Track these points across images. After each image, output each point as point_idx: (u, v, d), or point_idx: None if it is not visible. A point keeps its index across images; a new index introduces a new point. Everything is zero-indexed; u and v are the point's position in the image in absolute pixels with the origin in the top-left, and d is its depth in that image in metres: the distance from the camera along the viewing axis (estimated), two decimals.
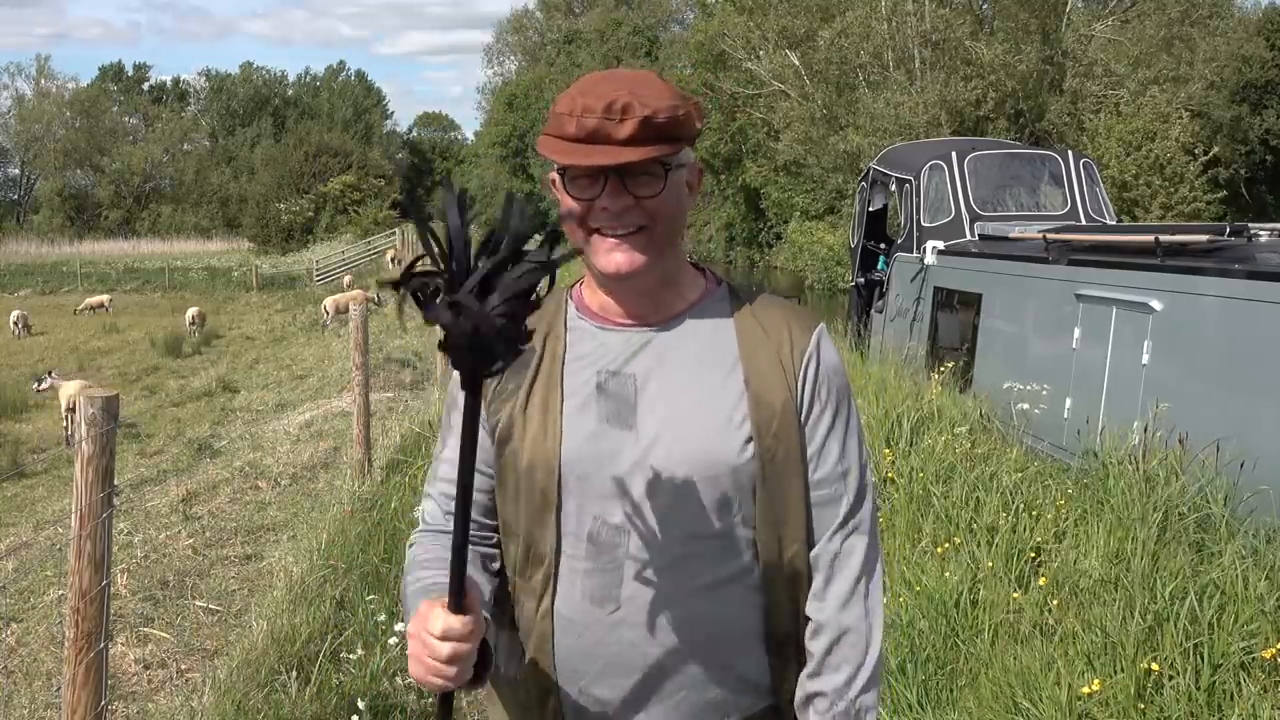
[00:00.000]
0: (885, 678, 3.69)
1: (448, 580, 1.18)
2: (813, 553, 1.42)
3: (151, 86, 78.59)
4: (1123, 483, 4.82)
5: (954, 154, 9.86)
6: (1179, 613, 3.53)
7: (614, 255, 1.34)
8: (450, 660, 1.19)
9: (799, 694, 1.44)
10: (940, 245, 9.32)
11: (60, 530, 7.01)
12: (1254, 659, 3.35)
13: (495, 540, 1.48)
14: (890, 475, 5.59)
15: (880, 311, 10.73)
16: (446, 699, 1.27)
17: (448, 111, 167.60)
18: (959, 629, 3.94)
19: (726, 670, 1.39)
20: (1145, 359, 5.97)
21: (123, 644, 4.43)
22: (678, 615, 1.35)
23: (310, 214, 48.56)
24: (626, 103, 1.30)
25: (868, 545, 1.44)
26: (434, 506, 1.50)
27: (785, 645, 1.42)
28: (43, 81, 72.83)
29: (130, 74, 77.77)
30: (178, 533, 6.32)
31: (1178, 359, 5.80)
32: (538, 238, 1.08)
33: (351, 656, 3.77)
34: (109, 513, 2.69)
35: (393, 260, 35.08)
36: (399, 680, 3.77)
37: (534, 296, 1.07)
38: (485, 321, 1.03)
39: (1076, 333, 6.76)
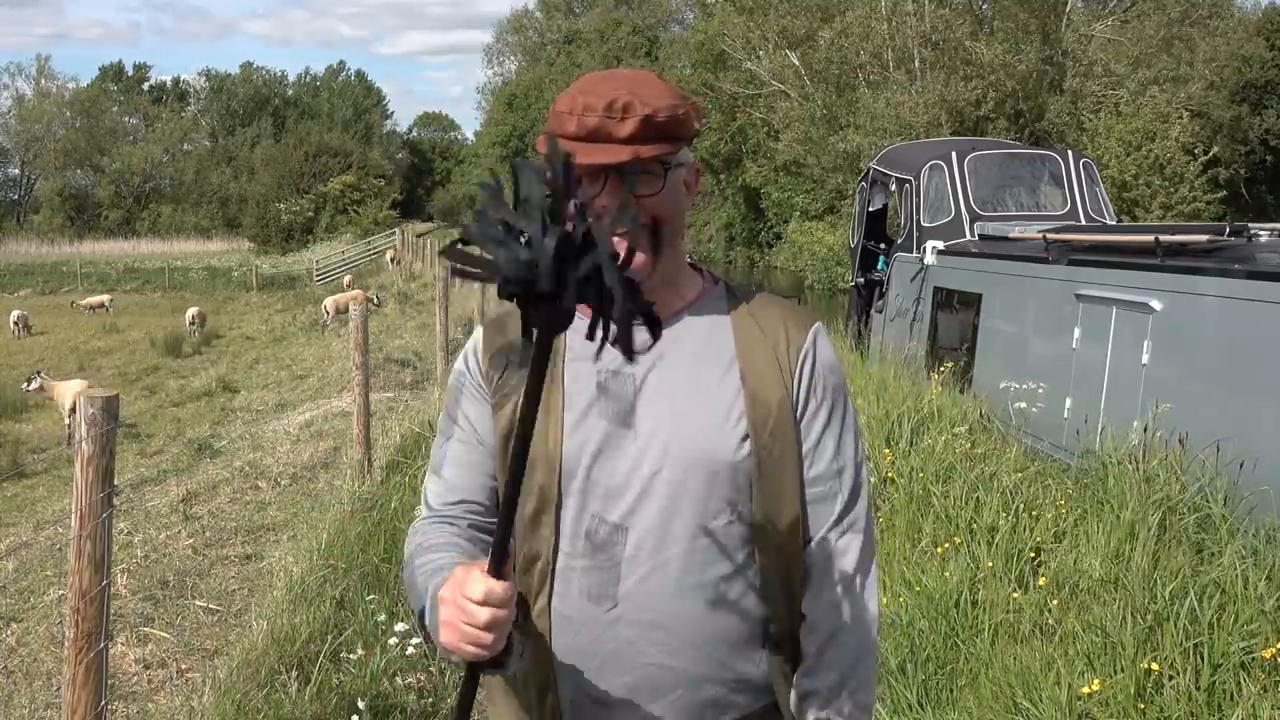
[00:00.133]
0: (885, 678, 3.69)
1: (462, 560, 1.14)
2: (808, 550, 1.43)
3: (151, 86, 78.66)
4: (1123, 483, 4.82)
5: (954, 154, 9.86)
6: (1179, 613, 3.53)
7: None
8: (489, 626, 1.15)
9: (795, 692, 1.44)
10: (940, 245, 9.32)
11: (60, 530, 7.02)
12: (1254, 659, 3.35)
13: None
14: (890, 475, 5.59)
15: (880, 311, 10.73)
16: (474, 675, 1.22)
17: (448, 111, 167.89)
18: (959, 629, 3.94)
19: (723, 668, 1.39)
20: (1145, 359, 5.97)
21: (123, 644, 4.43)
22: (675, 613, 1.35)
23: (310, 214, 48.58)
24: (628, 102, 1.30)
25: (863, 542, 1.44)
26: (441, 491, 1.48)
27: (782, 643, 1.43)
28: (43, 81, 72.94)
29: (130, 74, 77.83)
30: (178, 533, 6.32)
31: (1178, 359, 5.80)
32: None
33: (351, 656, 3.77)
34: (109, 513, 2.69)
35: (392, 260, 35.10)
36: (399, 680, 3.77)
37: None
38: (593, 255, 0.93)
39: (1076, 333, 6.76)
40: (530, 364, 1.01)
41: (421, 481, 1.57)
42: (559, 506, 1.38)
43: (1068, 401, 6.71)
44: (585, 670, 1.38)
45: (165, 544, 6.09)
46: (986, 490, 5.14)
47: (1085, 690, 3.29)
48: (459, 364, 1.51)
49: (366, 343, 7.02)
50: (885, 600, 4.06)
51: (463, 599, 1.16)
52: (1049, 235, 7.47)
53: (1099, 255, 6.82)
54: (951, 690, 3.64)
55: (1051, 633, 3.80)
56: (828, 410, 1.43)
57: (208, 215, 64.15)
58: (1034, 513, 4.86)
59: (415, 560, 1.39)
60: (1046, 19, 30.92)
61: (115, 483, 2.73)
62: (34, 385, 13.89)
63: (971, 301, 8.51)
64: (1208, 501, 4.63)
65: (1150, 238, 6.25)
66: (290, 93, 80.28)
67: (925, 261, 9.40)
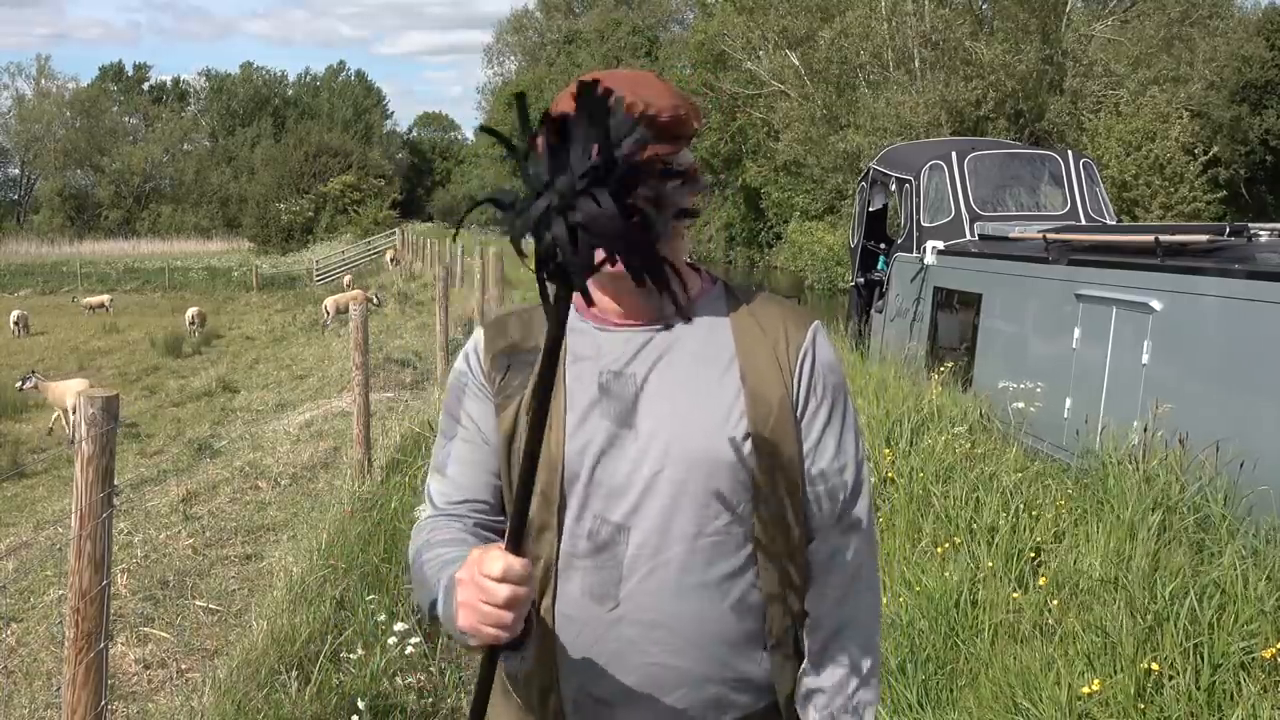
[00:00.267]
0: (885, 678, 3.68)
1: (501, 527, 1.14)
2: (810, 548, 1.43)
3: (151, 86, 78.67)
4: (1123, 483, 4.82)
5: (954, 154, 9.86)
6: (1179, 613, 3.53)
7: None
8: (508, 605, 1.14)
9: (798, 690, 1.44)
10: (940, 245, 9.32)
11: (60, 530, 7.02)
12: (1254, 659, 3.35)
13: (503, 529, 1.47)
14: (890, 475, 5.59)
15: (880, 311, 10.73)
16: (493, 658, 1.20)
17: (448, 111, 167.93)
18: (959, 629, 3.94)
19: (726, 667, 1.39)
20: (1145, 359, 5.97)
21: (123, 644, 4.43)
22: (677, 612, 1.35)
23: (310, 214, 48.59)
24: (630, 102, 1.30)
25: (865, 540, 1.45)
26: (446, 490, 1.48)
27: (784, 642, 1.43)
28: (43, 81, 72.97)
29: (130, 74, 77.83)
30: (178, 533, 6.32)
31: (1178, 359, 5.80)
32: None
33: (351, 656, 3.77)
34: (109, 513, 2.69)
35: (392, 260, 35.10)
36: (399, 680, 3.77)
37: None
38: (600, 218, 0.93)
39: (1076, 333, 6.76)
40: (548, 335, 1.04)
41: (422, 481, 1.57)
42: (561, 507, 1.38)
43: (1068, 401, 6.71)
44: (588, 670, 1.38)
45: (165, 544, 6.09)
46: (986, 490, 5.14)
47: (1085, 690, 3.29)
48: (459, 364, 1.51)
49: (366, 343, 7.02)
50: (885, 600, 4.06)
51: (481, 577, 1.15)
52: (1049, 235, 7.47)
53: (1099, 255, 6.82)
54: (951, 690, 3.64)
55: (1051, 633, 3.80)
56: (828, 408, 1.43)
57: (208, 215, 64.18)
58: (1034, 513, 4.86)
59: (423, 555, 1.39)
60: (1046, 19, 30.93)
61: (115, 483, 2.73)
62: (28, 385, 13.84)
63: (971, 301, 8.51)
64: (1208, 501, 4.63)
65: (1150, 238, 6.25)
66: (290, 93, 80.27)
67: (925, 261, 9.40)
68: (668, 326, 1.41)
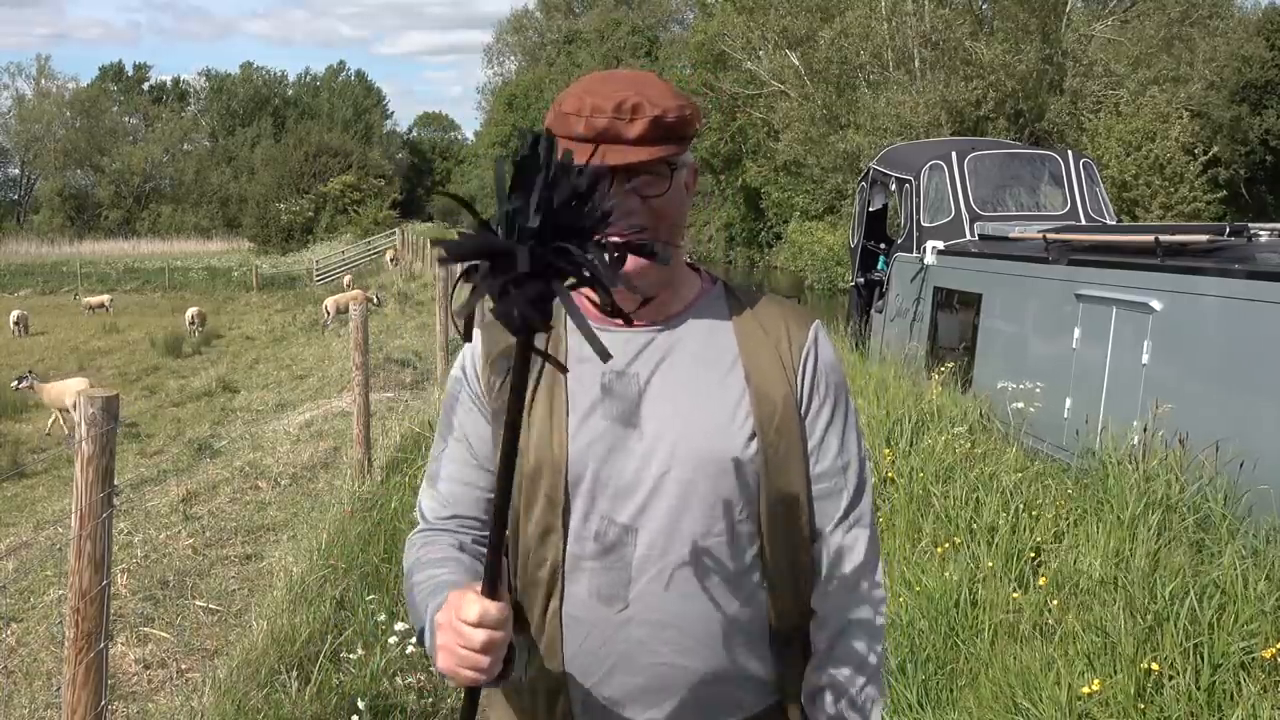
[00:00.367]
0: (885, 677, 3.68)
1: (461, 574, 1.15)
2: (815, 546, 1.44)
3: (151, 86, 78.63)
4: (1123, 483, 4.82)
5: (954, 154, 9.86)
6: (1179, 613, 3.53)
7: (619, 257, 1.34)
8: (485, 649, 1.16)
9: (805, 687, 1.45)
10: (940, 245, 9.32)
11: (60, 530, 7.02)
12: (1254, 659, 3.35)
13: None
14: (890, 475, 5.59)
15: (880, 311, 10.73)
16: (474, 695, 1.23)
17: (448, 111, 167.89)
18: (959, 629, 3.94)
19: (734, 666, 1.39)
20: (1145, 359, 5.97)
21: (123, 644, 4.43)
22: (685, 612, 1.36)
23: (310, 214, 48.55)
24: (636, 103, 1.30)
25: (869, 537, 1.46)
26: (434, 505, 1.49)
27: (790, 641, 1.43)
28: (43, 81, 72.92)
29: (130, 74, 77.80)
30: (178, 533, 6.32)
31: (1178, 359, 5.80)
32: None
33: (351, 656, 3.77)
34: (109, 513, 2.69)
35: (392, 260, 35.09)
36: (399, 680, 3.77)
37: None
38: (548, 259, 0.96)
39: (1076, 333, 6.76)
40: (513, 372, 1.05)
41: (421, 482, 1.57)
42: (566, 509, 1.37)
43: (1068, 401, 6.71)
44: (596, 672, 1.37)
45: (165, 544, 6.09)
46: (986, 490, 5.14)
47: (1085, 690, 3.29)
48: (456, 370, 1.50)
49: (366, 343, 7.02)
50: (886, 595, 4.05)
51: (458, 622, 1.17)
52: (1049, 235, 7.47)
53: (1099, 255, 6.82)
54: (951, 690, 3.64)
55: (1051, 633, 3.80)
56: (831, 407, 1.44)
57: (208, 215, 64.14)
58: (1034, 513, 4.86)
59: (414, 576, 1.40)
60: (1046, 19, 30.92)
61: (115, 483, 2.73)
62: (23, 385, 13.79)
63: (971, 301, 8.52)
64: (1207, 501, 4.63)
65: (1150, 238, 6.26)
66: (290, 93, 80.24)
67: (925, 261, 9.40)
68: (667, 327, 1.42)
